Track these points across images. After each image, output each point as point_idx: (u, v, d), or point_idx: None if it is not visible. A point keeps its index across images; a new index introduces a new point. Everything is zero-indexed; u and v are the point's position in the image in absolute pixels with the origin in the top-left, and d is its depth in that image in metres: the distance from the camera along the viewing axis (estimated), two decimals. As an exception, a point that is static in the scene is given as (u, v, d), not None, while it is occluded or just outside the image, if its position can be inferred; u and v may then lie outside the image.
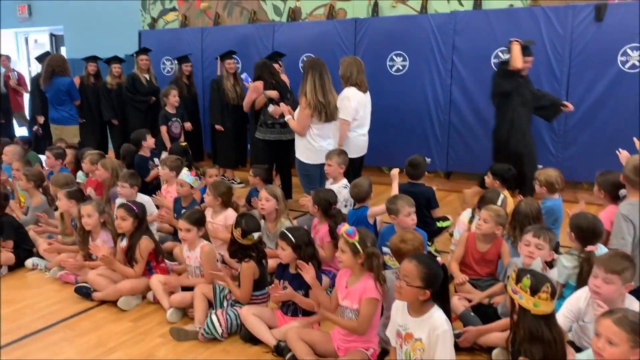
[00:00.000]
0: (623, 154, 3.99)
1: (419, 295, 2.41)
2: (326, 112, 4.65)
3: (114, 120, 7.81)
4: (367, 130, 5.38)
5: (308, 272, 3.00)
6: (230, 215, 4.10)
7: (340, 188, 4.46)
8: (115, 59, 7.84)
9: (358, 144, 5.27)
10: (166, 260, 4.01)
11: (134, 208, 3.79)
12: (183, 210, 4.26)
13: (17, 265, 4.33)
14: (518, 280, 2.30)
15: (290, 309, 3.21)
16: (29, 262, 4.39)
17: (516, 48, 5.21)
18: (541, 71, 6.09)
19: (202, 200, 4.47)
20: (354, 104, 5.04)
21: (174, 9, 8.83)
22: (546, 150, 6.20)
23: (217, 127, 6.97)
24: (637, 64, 5.69)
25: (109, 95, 7.77)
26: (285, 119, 4.91)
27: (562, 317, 2.68)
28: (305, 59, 5.16)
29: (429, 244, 4.46)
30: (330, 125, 4.83)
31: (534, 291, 2.24)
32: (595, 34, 5.82)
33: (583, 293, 2.71)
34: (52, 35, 11.21)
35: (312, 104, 4.60)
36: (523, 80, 5.35)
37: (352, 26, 7.11)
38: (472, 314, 3.20)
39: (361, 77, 5.17)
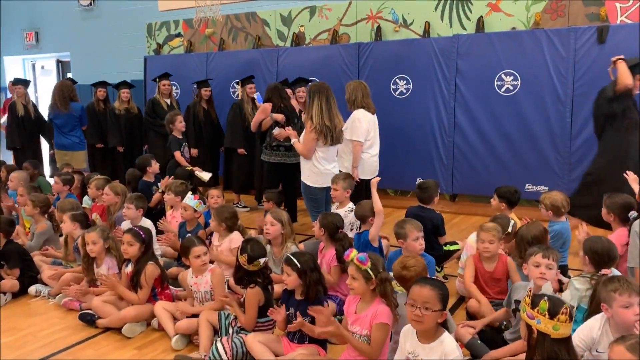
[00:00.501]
0: (631, 176, 3.96)
1: (438, 318, 2.39)
2: (332, 136, 4.70)
3: (119, 147, 7.86)
4: (378, 151, 5.46)
5: (322, 313, 2.92)
6: (236, 238, 4.08)
7: (347, 212, 4.45)
8: (124, 84, 7.90)
9: (371, 165, 5.37)
10: (170, 287, 3.98)
11: (141, 233, 3.78)
12: (188, 235, 4.25)
13: (21, 292, 4.30)
14: (534, 305, 2.27)
15: (296, 335, 3.15)
16: (32, 289, 4.35)
17: (622, 65, 4.91)
18: (545, 93, 6.11)
19: (207, 224, 4.45)
20: (365, 124, 5.17)
21: (179, 35, 8.94)
22: (551, 171, 6.18)
23: (240, 150, 6.94)
24: (641, 85, 5.68)
25: (117, 121, 7.83)
26: (292, 142, 4.92)
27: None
28: (310, 84, 5.23)
29: (438, 269, 4.44)
30: (335, 148, 4.86)
31: (553, 314, 2.21)
32: (598, 56, 5.84)
33: (597, 322, 2.63)
34: (58, 61, 11.36)
35: (317, 127, 4.63)
36: (632, 103, 5.01)
37: (356, 50, 7.17)
38: (479, 342, 3.15)
39: (367, 100, 5.26)
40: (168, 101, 7.55)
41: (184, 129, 6.62)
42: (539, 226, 3.64)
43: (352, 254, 2.87)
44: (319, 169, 4.76)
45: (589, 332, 2.64)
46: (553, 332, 2.20)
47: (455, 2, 6.73)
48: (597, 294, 2.66)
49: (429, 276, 3.10)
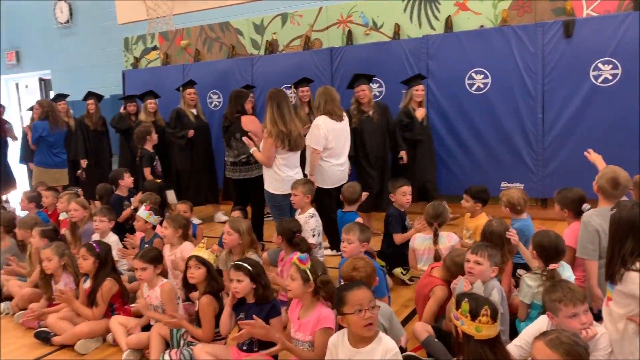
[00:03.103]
0: (593, 155, 3.81)
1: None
2: (289, 140, 4.61)
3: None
4: (344, 161, 5.26)
5: (255, 327, 2.84)
6: (187, 248, 4.05)
7: (307, 218, 4.39)
8: (151, 94, 7.43)
9: (334, 174, 5.16)
10: (131, 305, 3.93)
11: (96, 247, 3.74)
12: (145, 246, 4.21)
13: (-17, 312, 4.27)
14: (458, 305, 2.21)
15: (245, 343, 3.10)
16: (1, 306, 4.33)
17: None
18: (516, 90, 6.07)
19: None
20: (323, 131, 4.99)
21: (155, 48, 8.94)
22: (526, 168, 6.13)
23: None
24: (610, 77, 5.65)
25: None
26: (251, 151, 4.86)
27: (514, 347, 2.56)
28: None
29: (403, 272, 4.43)
30: (296, 155, 4.79)
31: (474, 315, 2.16)
32: (565, 50, 5.80)
33: (543, 325, 2.57)
34: (40, 79, 11.37)
35: (273, 133, 4.57)
36: None
37: (328, 56, 7.16)
38: (436, 340, 3.08)
39: (330, 106, 5.10)
40: (194, 111, 6.98)
41: (155, 142, 6.51)
42: (502, 224, 3.57)
43: (296, 255, 2.83)
44: (280, 175, 4.69)
45: (532, 334, 2.58)
46: (476, 333, 2.14)
47: (423, 2, 6.70)
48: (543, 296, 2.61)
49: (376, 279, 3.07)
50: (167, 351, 3.17)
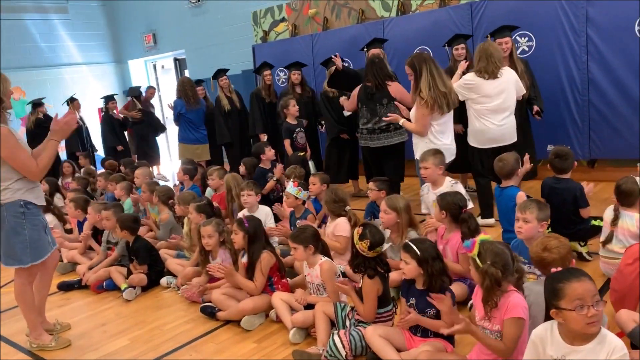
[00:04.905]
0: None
1: None
2: (447, 103, 4.36)
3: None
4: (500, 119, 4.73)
5: (443, 303, 2.62)
6: (341, 224, 3.89)
7: (452, 184, 4.06)
8: (221, 72, 7.72)
9: (487, 132, 4.72)
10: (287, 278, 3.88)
11: (245, 222, 3.72)
12: (298, 222, 4.13)
13: (149, 286, 4.46)
14: None
15: (419, 328, 2.88)
16: (163, 281, 4.52)
17: None
18: None
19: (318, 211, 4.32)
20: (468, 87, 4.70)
21: (283, 20, 8.87)
22: None
23: (343, 135, 6.52)
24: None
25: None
26: (400, 123, 4.59)
27: None
28: (409, 57, 4.72)
29: (581, 244, 3.93)
30: (451, 119, 4.49)
31: None
32: None
33: None
34: (175, 59, 11.89)
35: (430, 100, 4.29)
36: None
37: (468, 11, 6.61)
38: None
39: (483, 64, 4.66)
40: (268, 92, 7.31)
41: (297, 114, 6.44)
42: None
43: (470, 240, 2.53)
44: (436, 144, 4.39)
45: None
46: None
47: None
48: None
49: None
50: (336, 332, 3.03)
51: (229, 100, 7.67)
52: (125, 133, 9.56)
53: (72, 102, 9.18)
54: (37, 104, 9.05)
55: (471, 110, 4.74)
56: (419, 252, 2.77)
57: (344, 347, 2.94)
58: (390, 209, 3.76)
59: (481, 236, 2.57)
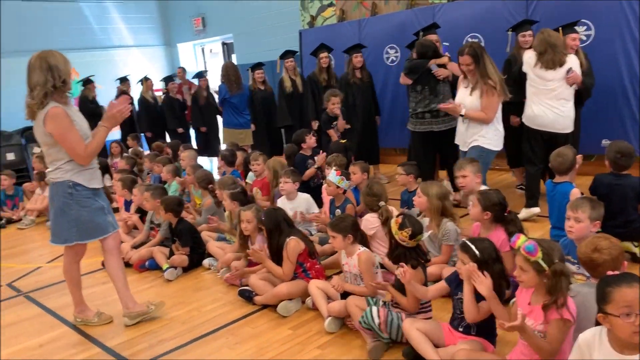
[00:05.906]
0: None
1: None
2: (505, 89, 4.42)
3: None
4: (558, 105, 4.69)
5: (483, 283, 2.53)
6: (368, 218, 3.80)
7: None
8: (289, 53, 7.69)
9: (541, 116, 4.73)
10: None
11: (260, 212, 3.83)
12: (337, 211, 4.08)
13: (190, 267, 4.53)
14: None
15: (461, 323, 2.79)
16: (205, 262, 4.59)
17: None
18: None
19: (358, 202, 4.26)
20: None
21: (331, 4, 8.77)
22: None
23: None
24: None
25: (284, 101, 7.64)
26: (462, 113, 4.49)
27: None
28: (468, 48, 4.58)
29: (635, 244, 3.75)
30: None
31: None
32: None
33: None
34: (223, 43, 11.97)
35: (499, 86, 4.34)
36: None
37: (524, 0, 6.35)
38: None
39: (549, 56, 4.61)
40: (325, 76, 7.14)
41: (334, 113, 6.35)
42: None
43: (520, 240, 2.40)
44: (499, 130, 4.51)
45: None
46: None
47: None
48: None
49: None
50: (375, 308, 2.98)
51: (292, 82, 7.62)
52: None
53: (123, 82, 9.36)
54: (86, 81, 9.12)
55: (531, 90, 4.73)
56: (478, 254, 2.61)
57: (379, 317, 2.91)
58: (422, 193, 3.71)
59: (522, 237, 2.44)
